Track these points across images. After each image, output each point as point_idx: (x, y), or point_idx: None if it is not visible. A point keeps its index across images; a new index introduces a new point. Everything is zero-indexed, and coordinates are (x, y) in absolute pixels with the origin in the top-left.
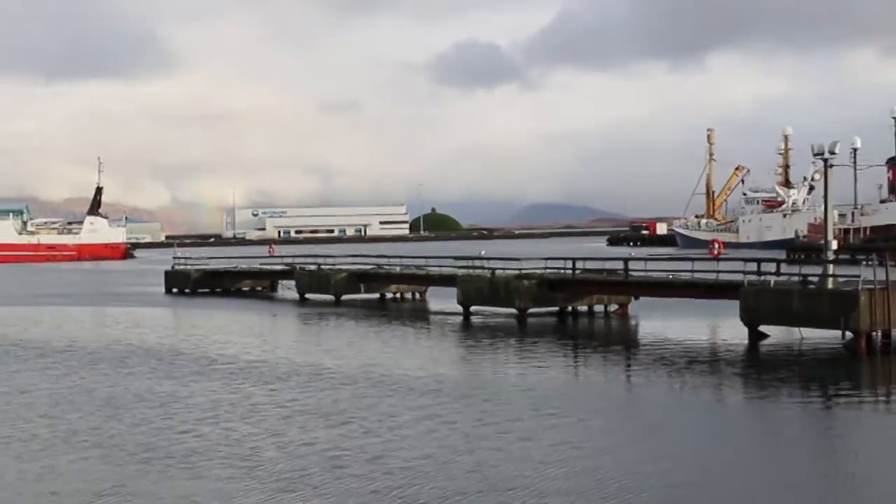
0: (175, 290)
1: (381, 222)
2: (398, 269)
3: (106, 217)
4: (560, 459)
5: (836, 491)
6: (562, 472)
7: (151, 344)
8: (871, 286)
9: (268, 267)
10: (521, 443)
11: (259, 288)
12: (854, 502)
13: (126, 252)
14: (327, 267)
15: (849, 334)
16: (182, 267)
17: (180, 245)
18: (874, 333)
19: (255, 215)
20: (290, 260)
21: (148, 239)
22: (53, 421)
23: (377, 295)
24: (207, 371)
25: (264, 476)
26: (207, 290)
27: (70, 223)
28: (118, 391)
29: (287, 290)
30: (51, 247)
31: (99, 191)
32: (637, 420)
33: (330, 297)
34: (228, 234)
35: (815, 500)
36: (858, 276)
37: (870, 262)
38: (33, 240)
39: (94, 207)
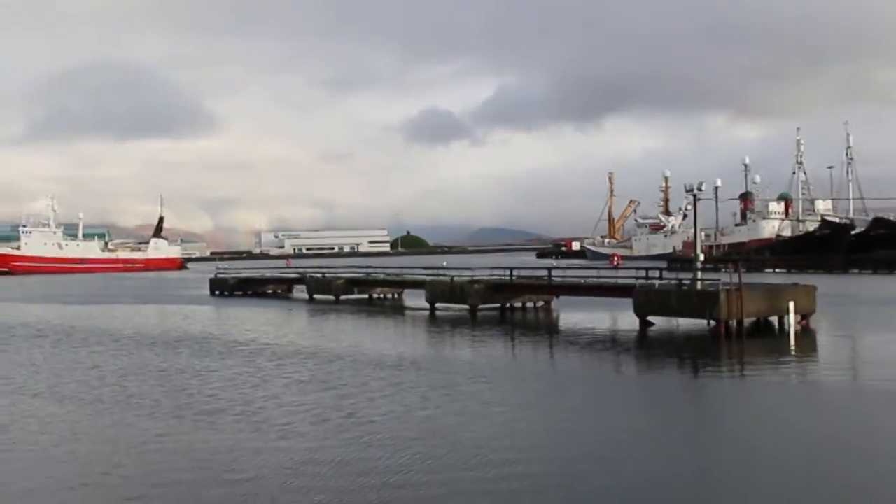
0: (217, 292)
1: (370, 242)
2: (382, 276)
3: (166, 238)
4: (486, 414)
5: (701, 438)
6: (485, 422)
7: (196, 332)
8: (728, 287)
9: (286, 275)
10: (459, 402)
11: (279, 290)
12: (713, 448)
13: (181, 265)
14: (330, 275)
15: (712, 323)
16: (222, 275)
17: (221, 259)
18: (730, 322)
19: (276, 237)
20: (302, 270)
21: (197, 255)
22: (117, 388)
23: (366, 295)
24: (234, 351)
25: (266, 428)
26: (241, 292)
27: (140, 243)
28: (166, 366)
29: (300, 292)
30: (125, 261)
31: (161, 219)
32: (549, 385)
33: (331, 298)
34: (257, 251)
35: (682, 446)
36: (719, 280)
37: (727, 270)
38: (113, 255)
39: (158, 231)
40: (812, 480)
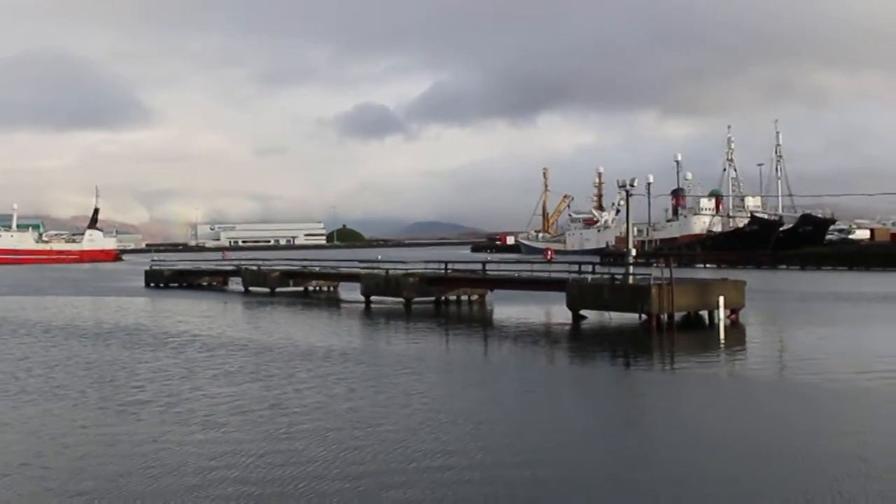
0: (152, 284)
1: (306, 234)
2: (317, 268)
3: (101, 230)
4: (409, 404)
5: (631, 424)
6: (406, 411)
7: (128, 323)
8: (659, 282)
9: (221, 267)
10: (385, 393)
11: (215, 283)
12: (642, 433)
13: (116, 256)
14: (265, 267)
15: (644, 316)
16: (158, 267)
17: (157, 251)
18: (661, 315)
19: (212, 229)
20: (237, 262)
21: (132, 246)
22: (43, 379)
23: (302, 288)
24: (164, 342)
25: (190, 420)
26: (176, 284)
27: (74, 235)
28: (95, 357)
29: (235, 284)
30: (60, 252)
31: (96, 211)
32: (478, 376)
33: (267, 290)
34: (192, 243)
35: (611, 433)
36: (650, 275)
37: (658, 265)
38: (47, 247)
39: (93, 223)
40: (732, 470)
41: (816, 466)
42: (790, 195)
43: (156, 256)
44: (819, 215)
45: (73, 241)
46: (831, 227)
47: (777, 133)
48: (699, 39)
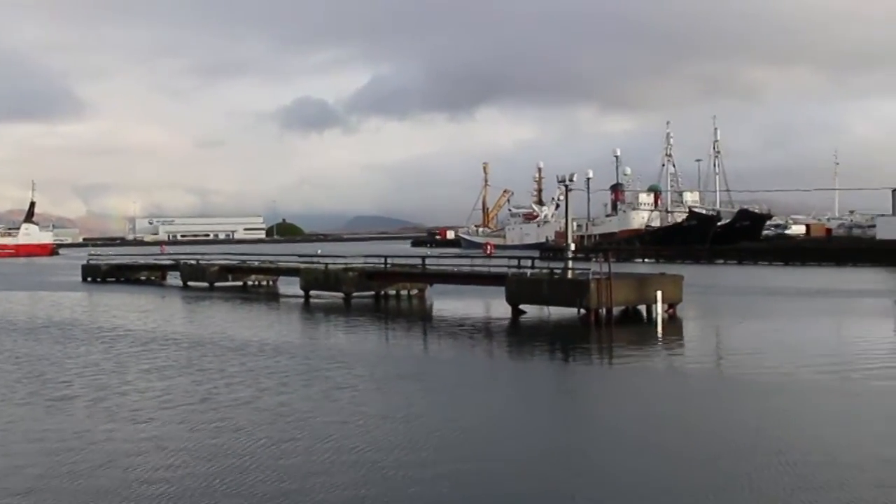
0: (89, 279)
1: (245, 229)
2: (257, 263)
3: (37, 224)
4: (339, 398)
5: (569, 418)
6: (335, 405)
7: (62, 318)
8: (598, 276)
9: (160, 262)
10: (316, 386)
11: (153, 277)
12: (580, 427)
13: (53, 250)
14: (204, 262)
15: (583, 311)
16: (95, 262)
17: (94, 245)
18: (600, 310)
19: (150, 223)
20: (176, 256)
21: (69, 241)
22: None
23: (241, 282)
24: (97, 337)
25: (118, 415)
26: (114, 279)
27: (10, 229)
28: (25, 352)
29: (174, 279)
30: None
31: (32, 205)
32: (413, 370)
33: (206, 284)
34: (130, 237)
35: (549, 427)
36: (589, 269)
37: (597, 260)
38: None
39: (29, 217)
40: (667, 461)
41: (736, 458)
42: (728, 190)
43: (93, 251)
44: (756, 211)
45: (9, 235)
46: (768, 223)
47: (715, 129)
48: (634, 36)
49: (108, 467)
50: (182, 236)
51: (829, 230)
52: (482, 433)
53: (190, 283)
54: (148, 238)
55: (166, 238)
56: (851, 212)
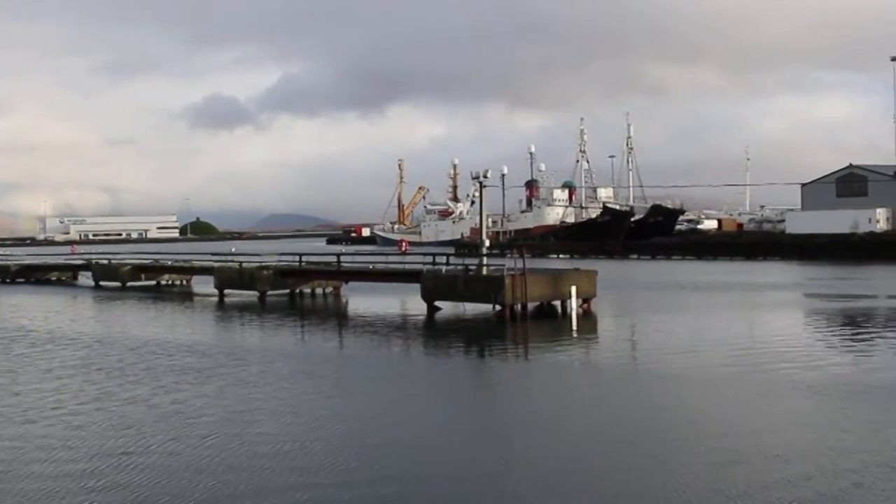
0: None
1: (158, 227)
2: (170, 262)
3: None
4: (238, 396)
5: (483, 412)
6: (225, 402)
7: None
8: (513, 272)
9: (71, 261)
10: (213, 384)
11: (64, 277)
12: (493, 420)
13: None
14: (116, 261)
15: (498, 307)
16: (4, 262)
17: (2, 245)
18: (515, 306)
19: (61, 222)
20: (88, 256)
21: None
22: None
23: (154, 282)
24: None
25: (3, 414)
26: (23, 279)
27: None
28: None
29: (86, 278)
30: None
31: None
32: (321, 367)
33: (118, 284)
34: (41, 237)
35: (466, 421)
36: (504, 265)
37: (512, 256)
38: None
39: None
40: (585, 446)
41: (648, 441)
42: (641, 186)
43: (1, 251)
44: (669, 206)
45: None
46: (680, 218)
47: (628, 125)
48: (543, 33)
49: None
50: (94, 236)
51: (740, 225)
52: (390, 424)
53: (102, 283)
54: (59, 238)
55: (78, 237)
56: (762, 207)
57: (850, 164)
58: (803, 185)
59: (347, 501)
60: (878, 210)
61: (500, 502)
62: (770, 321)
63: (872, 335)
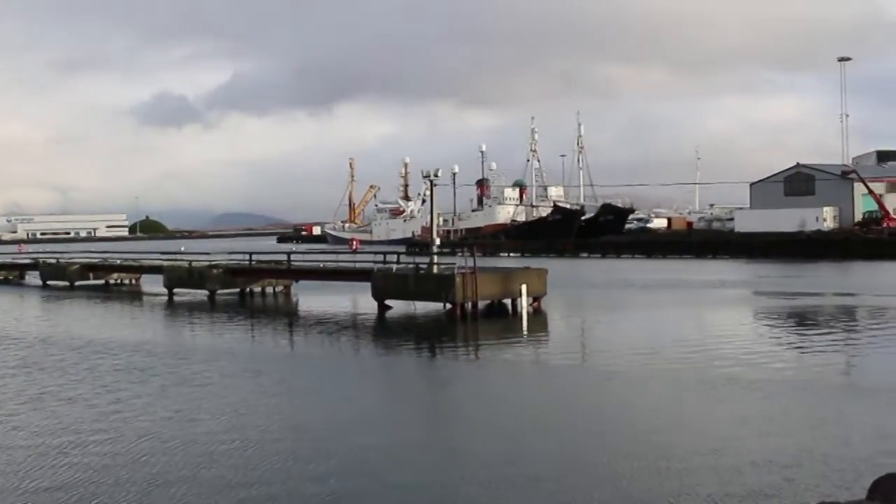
0: None
1: (107, 226)
2: (119, 261)
3: None
4: (176, 393)
5: (434, 410)
6: (171, 402)
7: None
8: (464, 271)
9: (18, 261)
10: (153, 383)
11: (11, 277)
12: (445, 418)
13: None
14: (64, 260)
15: (448, 305)
16: None
17: None
18: (466, 304)
19: (8, 221)
20: (35, 255)
21: None
22: None
23: (103, 281)
24: None
25: None
26: None
27: None
28: None
29: (33, 278)
30: None
31: None
32: (268, 366)
33: (66, 283)
34: None
35: (414, 419)
36: (455, 264)
37: (463, 254)
38: None
39: None
40: (529, 449)
41: (596, 435)
42: (591, 185)
43: None
44: (619, 205)
45: None
46: (631, 217)
47: (578, 125)
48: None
49: None
50: (42, 234)
51: (690, 223)
52: (335, 424)
53: (50, 283)
54: (6, 237)
55: (25, 236)
56: (711, 205)
57: (798, 164)
58: (752, 184)
59: (285, 500)
60: (825, 209)
61: (440, 496)
62: (717, 319)
63: (818, 333)
